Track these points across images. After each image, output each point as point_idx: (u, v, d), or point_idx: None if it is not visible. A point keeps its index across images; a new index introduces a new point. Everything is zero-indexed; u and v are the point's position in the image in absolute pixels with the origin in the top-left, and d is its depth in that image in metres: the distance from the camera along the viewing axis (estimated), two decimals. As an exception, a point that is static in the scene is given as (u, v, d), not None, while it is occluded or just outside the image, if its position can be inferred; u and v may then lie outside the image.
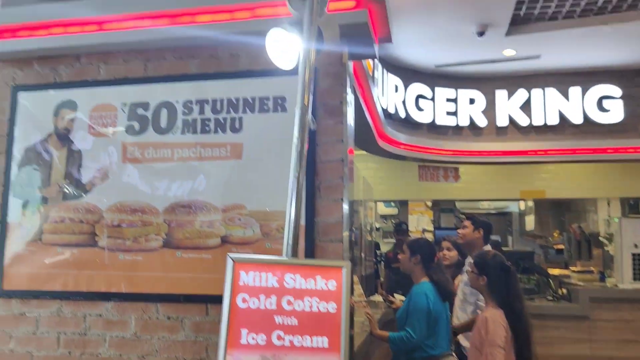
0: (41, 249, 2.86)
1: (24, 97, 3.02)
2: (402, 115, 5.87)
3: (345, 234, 2.54)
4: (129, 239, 2.75)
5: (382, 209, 9.37)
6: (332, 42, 2.21)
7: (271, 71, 2.64)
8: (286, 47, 1.96)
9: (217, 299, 2.54)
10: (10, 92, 3.02)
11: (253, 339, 1.65)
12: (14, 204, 2.93)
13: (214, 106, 2.77)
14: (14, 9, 2.95)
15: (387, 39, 2.87)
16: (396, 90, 5.78)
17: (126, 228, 2.76)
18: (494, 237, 4.45)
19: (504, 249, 7.69)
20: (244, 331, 1.66)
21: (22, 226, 2.90)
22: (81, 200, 2.84)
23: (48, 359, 2.75)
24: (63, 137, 2.93)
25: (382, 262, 6.86)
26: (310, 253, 2.50)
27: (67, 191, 2.87)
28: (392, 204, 9.29)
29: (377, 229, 8.83)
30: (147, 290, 2.69)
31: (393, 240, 7.66)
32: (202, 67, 2.82)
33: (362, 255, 5.54)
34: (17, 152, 2.97)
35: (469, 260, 3.60)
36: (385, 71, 5.49)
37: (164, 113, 2.83)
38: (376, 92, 4.69)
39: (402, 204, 9.02)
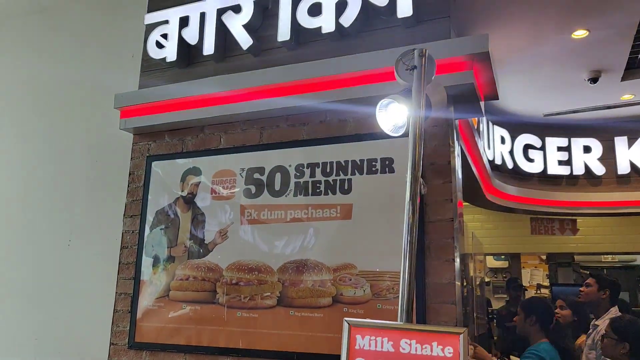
0: (168, 305, 3.10)
1: (156, 166, 3.38)
2: (510, 166, 5.70)
3: (458, 295, 2.49)
4: (246, 297, 2.90)
5: (492, 262, 8.95)
6: (440, 105, 2.27)
7: (378, 134, 2.75)
8: (395, 115, 2.04)
9: (332, 358, 2.61)
10: (145, 161, 3.40)
11: (371, 404, 1.66)
12: (145, 263, 3.23)
13: (324, 169, 2.91)
14: (149, 90, 3.35)
15: (494, 96, 2.87)
16: (502, 142, 5.64)
17: (244, 286, 2.92)
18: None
19: (634, 308, 6.96)
20: (361, 396, 1.69)
21: (152, 283, 3.18)
22: (204, 259, 3.07)
23: (173, 410, 2.93)
24: (188, 200, 3.22)
25: (494, 320, 6.50)
26: (421, 315, 2.47)
27: (192, 250, 3.12)
28: (502, 257, 8.85)
29: (487, 284, 8.42)
30: (263, 347, 2.80)
31: (505, 297, 7.26)
32: (313, 133, 2.99)
33: (474, 313, 5.31)
34: (150, 215, 3.30)
35: (596, 322, 3.34)
36: (490, 123, 5.41)
37: (277, 177, 3.02)
38: (482, 144, 4.63)
39: (513, 257, 8.56)
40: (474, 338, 4.64)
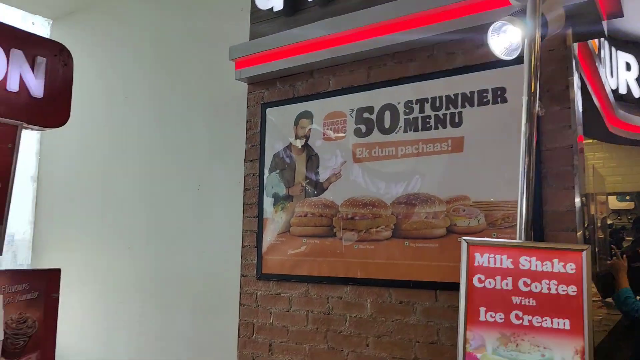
0: (289, 239, 3.35)
1: (270, 113, 3.59)
2: (637, 95, 5.23)
3: (578, 222, 2.44)
4: (362, 230, 3.06)
5: (615, 203, 8.37)
6: (556, 25, 2.17)
7: (488, 64, 2.71)
8: (508, 39, 2.00)
9: (446, 286, 2.70)
10: (260, 109, 3.62)
11: (491, 316, 1.74)
12: (267, 202, 3.50)
13: (434, 104, 2.92)
14: (259, 40, 3.52)
15: (617, 13, 2.66)
16: (628, 69, 5.17)
17: (359, 220, 3.08)
18: None
19: None
20: (482, 309, 1.77)
21: (274, 220, 3.45)
22: (320, 197, 3.26)
23: (300, 333, 3.22)
24: (302, 143, 3.40)
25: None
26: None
27: (308, 189, 3.32)
28: (627, 197, 8.23)
29: (610, 226, 7.93)
30: (380, 276, 2.96)
31: (630, 238, 6.81)
32: (420, 68, 2.99)
33: (596, 253, 5.08)
34: (267, 159, 3.54)
35: None
36: (613, 47, 4.97)
37: (387, 115, 3.08)
38: (603, 72, 4.29)
39: (640, 197, 7.94)
40: (596, 279, 4.47)
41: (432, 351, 2.75)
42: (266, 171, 3.53)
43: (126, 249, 4.45)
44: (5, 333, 2.51)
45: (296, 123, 3.45)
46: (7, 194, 2.89)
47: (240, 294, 3.53)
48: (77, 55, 3.12)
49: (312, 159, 3.35)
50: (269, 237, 3.45)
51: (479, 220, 2.69)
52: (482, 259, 1.78)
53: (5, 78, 2.83)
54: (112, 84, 4.86)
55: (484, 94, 2.77)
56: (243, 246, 3.56)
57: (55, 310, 2.98)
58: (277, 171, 3.49)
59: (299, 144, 3.41)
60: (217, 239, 3.90)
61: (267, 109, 3.59)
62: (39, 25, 5.37)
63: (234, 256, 3.63)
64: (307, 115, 3.40)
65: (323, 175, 3.28)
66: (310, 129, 3.38)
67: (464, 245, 1.80)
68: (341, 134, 3.24)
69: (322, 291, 3.17)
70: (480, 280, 1.77)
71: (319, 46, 3.27)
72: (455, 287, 2.52)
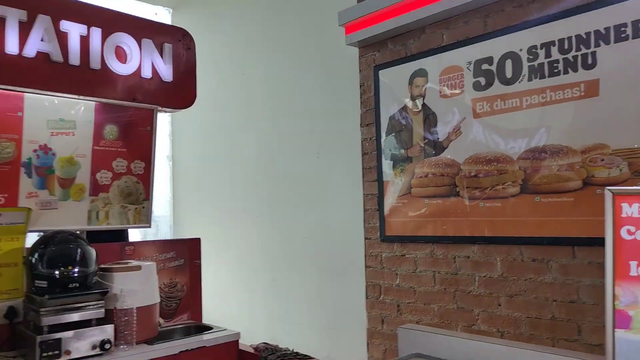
0: (410, 201, 3.33)
1: (382, 75, 3.54)
2: None
3: None
4: (487, 188, 2.95)
5: None
6: None
7: (626, -6, 2.42)
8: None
9: (584, 241, 2.53)
10: (372, 72, 3.59)
11: (644, 271, 1.61)
12: (386, 165, 3.50)
13: (562, 46, 2.68)
14: (367, 2, 3.47)
15: None
16: None
17: (483, 178, 2.97)
18: None
19: None
20: (632, 263, 1.63)
21: (394, 183, 3.44)
22: (440, 157, 3.19)
23: (428, 294, 3.22)
24: (418, 102, 3.33)
25: None
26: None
27: (427, 150, 3.26)
28: None
29: None
30: (509, 233, 2.84)
31: None
32: (544, 9, 2.75)
33: None
34: (383, 122, 3.52)
35: None
36: None
37: (508, 64, 2.90)
38: None
39: None
40: None
41: (571, 310, 2.61)
42: (383, 134, 3.52)
43: (256, 217, 4.73)
44: (160, 297, 2.83)
45: (410, 82, 3.37)
46: (151, 172, 3.20)
47: (365, 256, 3.60)
48: (197, 39, 3.33)
49: (430, 118, 3.27)
50: (390, 200, 3.45)
51: (621, 170, 2.46)
52: (632, 209, 1.64)
53: (139, 66, 3.11)
54: (229, 62, 5.10)
55: (622, 29, 2.48)
56: (365, 210, 3.61)
57: (199, 275, 3.28)
58: (394, 133, 3.46)
59: (414, 104, 3.34)
60: (339, 204, 3.99)
61: (380, 71, 3.55)
62: (161, 15, 5.77)
63: (356, 220, 3.69)
64: (422, 73, 3.31)
65: (442, 134, 3.19)
66: (425, 88, 3.29)
67: (608, 196, 1.66)
68: (459, 90, 3.12)
69: (448, 251, 3.12)
70: (629, 232, 1.63)
71: (429, 0, 3.14)
72: (596, 242, 2.37)
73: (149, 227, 3.22)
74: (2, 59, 2.55)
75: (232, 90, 5.07)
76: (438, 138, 3.21)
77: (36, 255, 2.35)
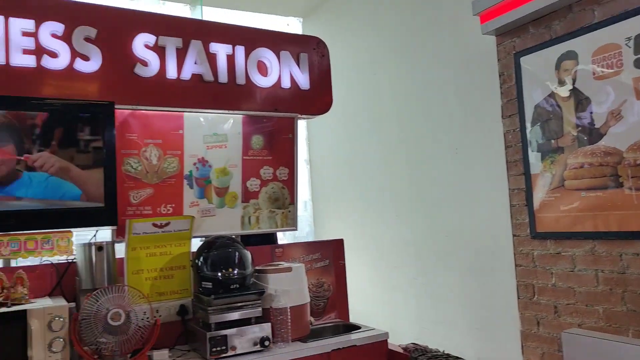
0: (564, 194, 3.09)
1: (524, 61, 3.32)
2: None
3: None
4: (657, 177, 2.63)
5: None
6: None
7: None
8: None
9: None
10: (512, 59, 3.39)
11: None
12: (533, 157, 3.28)
13: None
14: (504, -15, 3.28)
15: None
16: None
17: (652, 165, 2.65)
18: None
19: None
20: None
21: (544, 176, 3.21)
22: (598, 144, 2.91)
23: (590, 295, 2.95)
24: (567, 87, 3.07)
25: None
26: None
27: (580, 138, 2.99)
28: None
29: None
30: (689, 228, 2.50)
31: None
32: None
33: None
34: (528, 111, 3.30)
35: None
36: None
37: (677, 35, 2.55)
38: None
39: None
40: None
41: None
42: (528, 125, 3.30)
43: (394, 216, 4.73)
44: (309, 296, 2.95)
45: (557, 67, 3.12)
46: (294, 177, 3.35)
47: (514, 254, 3.41)
48: (327, 44, 3.42)
49: (582, 104, 2.99)
50: (540, 194, 3.23)
51: None
52: None
53: (279, 78, 3.28)
54: (359, 64, 5.16)
55: None
56: (511, 205, 3.42)
57: (344, 274, 3.36)
58: (540, 123, 3.23)
59: (563, 89, 3.09)
60: (481, 200, 3.83)
61: (521, 58, 3.34)
62: (292, 25, 6.02)
63: (502, 216, 3.52)
64: (571, 55, 3.05)
65: (598, 120, 2.91)
66: (575, 71, 3.02)
67: None
68: (616, 69, 2.82)
69: (612, 248, 2.83)
70: None
71: (576, -26, 2.88)
72: None
73: (296, 229, 3.38)
74: (164, 84, 2.86)
75: (363, 91, 5.12)
76: (594, 124, 2.93)
77: (201, 259, 2.59)
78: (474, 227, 3.91)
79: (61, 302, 2.31)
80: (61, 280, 2.53)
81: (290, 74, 3.29)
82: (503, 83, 3.47)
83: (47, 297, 2.45)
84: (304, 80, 3.34)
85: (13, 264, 2.52)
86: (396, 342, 2.92)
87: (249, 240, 3.15)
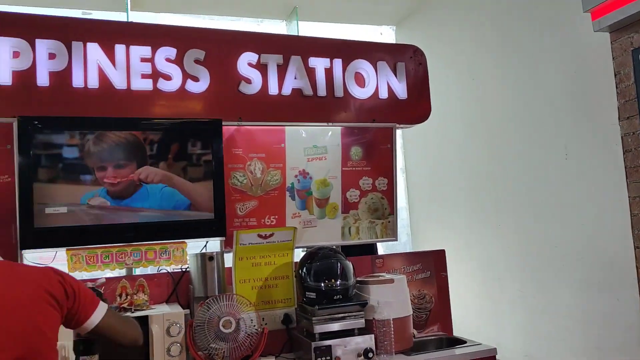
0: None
1: (644, 57, 3.06)
2: None
3: None
4: None
5: None
6: None
7: None
8: None
9: None
10: (630, 57, 3.13)
11: None
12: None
13: None
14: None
15: None
16: None
17: None
18: None
19: None
20: None
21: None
22: None
23: None
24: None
25: None
26: None
27: None
28: None
29: None
30: None
31: None
32: None
33: None
34: (650, 111, 3.03)
35: None
36: None
37: None
38: None
39: None
40: None
41: None
42: (650, 126, 3.03)
43: (496, 226, 4.53)
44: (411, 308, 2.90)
45: (684, 62, 2.84)
46: (393, 187, 3.33)
47: (636, 268, 3.13)
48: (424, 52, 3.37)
49: None
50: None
51: None
52: None
53: (376, 88, 3.28)
54: (457, 68, 5.02)
55: None
56: (632, 215, 3.14)
57: (447, 286, 3.27)
58: (664, 124, 2.95)
59: (691, 86, 2.80)
60: (595, 208, 3.55)
61: (640, 54, 3.08)
62: (386, 34, 6.01)
63: (620, 226, 3.24)
64: (700, 49, 2.76)
65: None
66: None
67: None
68: None
69: None
70: None
71: None
72: None
73: (396, 240, 3.35)
74: (266, 100, 2.98)
75: (462, 96, 4.97)
76: None
77: (304, 269, 2.65)
78: (587, 238, 3.63)
79: (177, 308, 2.47)
80: (176, 288, 2.70)
81: (388, 84, 3.29)
82: (619, 82, 3.21)
83: (165, 304, 2.63)
84: (401, 90, 3.31)
85: (135, 272, 2.74)
86: (503, 358, 2.79)
87: (349, 250, 3.16)
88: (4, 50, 2.52)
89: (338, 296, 2.56)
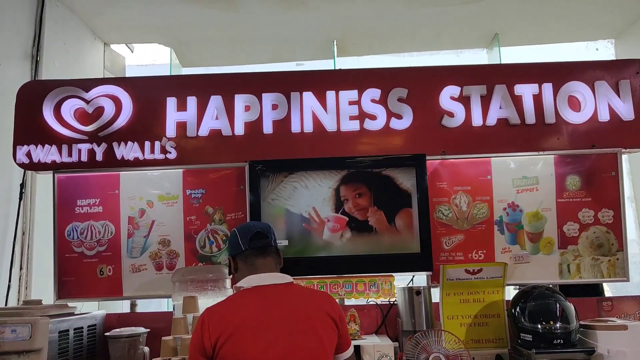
0: None
1: None
2: None
3: None
4: None
5: None
6: None
7: None
8: None
9: None
10: None
11: None
12: None
13: None
14: None
15: None
16: None
17: None
18: None
19: None
20: None
21: None
22: None
23: None
24: None
25: None
26: None
27: None
28: None
29: None
30: None
31: None
32: None
33: None
34: None
35: None
36: None
37: None
38: None
39: None
40: None
41: None
42: None
43: None
44: None
45: None
46: (622, 220, 2.94)
47: None
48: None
49: None
50: None
51: None
52: None
53: (595, 111, 2.98)
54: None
55: None
56: None
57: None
58: None
59: None
60: None
61: None
62: (602, 50, 5.42)
63: None
64: None
65: None
66: None
67: None
68: None
69: None
70: None
71: None
72: None
73: (627, 280, 2.93)
74: (470, 132, 2.93)
75: None
76: None
77: (518, 309, 2.48)
78: None
79: (387, 341, 2.52)
80: (385, 319, 2.77)
81: (609, 105, 2.96)
82: None
83: (374, 335, 2.71)
84: (625, 110, 2.96)
85: (345, 303, 2.88)
86: None
87: (568, 290, 2.86)
88: (239, 106, 2.97)
89: (558, 340, 2.33)
